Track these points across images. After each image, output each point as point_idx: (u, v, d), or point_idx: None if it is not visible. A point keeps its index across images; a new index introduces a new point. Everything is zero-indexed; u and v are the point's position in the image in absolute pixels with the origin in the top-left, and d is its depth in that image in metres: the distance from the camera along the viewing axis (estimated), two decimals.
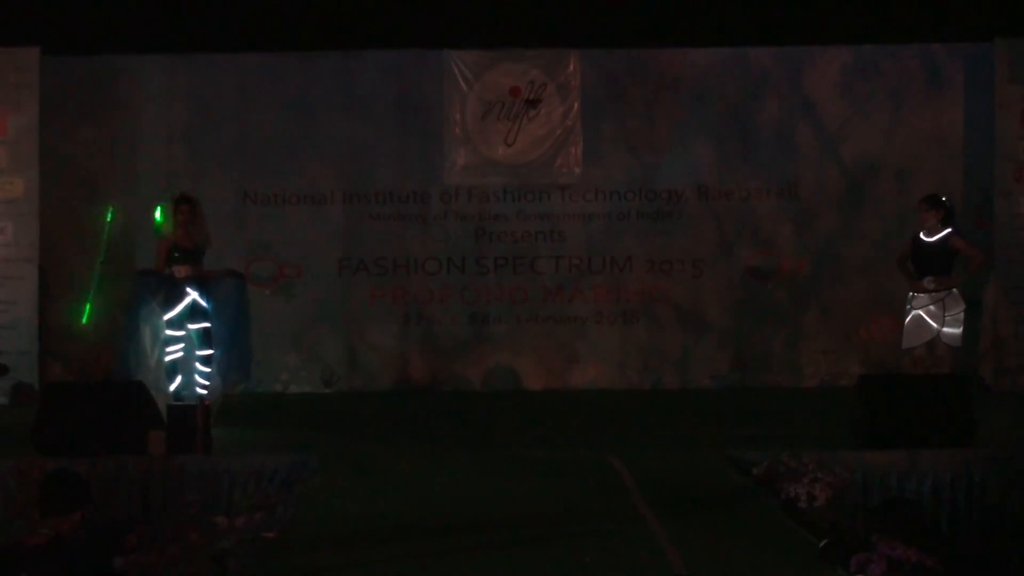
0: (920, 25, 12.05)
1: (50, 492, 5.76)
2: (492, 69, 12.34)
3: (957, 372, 9.54)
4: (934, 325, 9.74)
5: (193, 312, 9.97)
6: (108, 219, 11.79)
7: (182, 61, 12.29)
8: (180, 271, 9.91)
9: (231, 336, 10.17)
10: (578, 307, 12.39)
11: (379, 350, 12.36)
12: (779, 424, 9.89)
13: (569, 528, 6.74)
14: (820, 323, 12.35)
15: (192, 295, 9.94)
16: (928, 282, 9.77)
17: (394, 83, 12.38)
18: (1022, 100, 11.81)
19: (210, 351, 10.04)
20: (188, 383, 9.98)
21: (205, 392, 9.72)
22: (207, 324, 10.03)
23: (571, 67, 12.33)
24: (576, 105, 12.33)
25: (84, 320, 11.17)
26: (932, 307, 9.75)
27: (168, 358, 10.01)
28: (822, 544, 6.19)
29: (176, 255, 9.96)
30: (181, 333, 9.99)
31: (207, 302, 10.02)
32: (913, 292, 9.88)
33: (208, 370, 10.07)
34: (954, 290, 9.79)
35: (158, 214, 10.64)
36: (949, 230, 9.85)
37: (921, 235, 9.94)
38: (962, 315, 9.76)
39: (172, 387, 9.92)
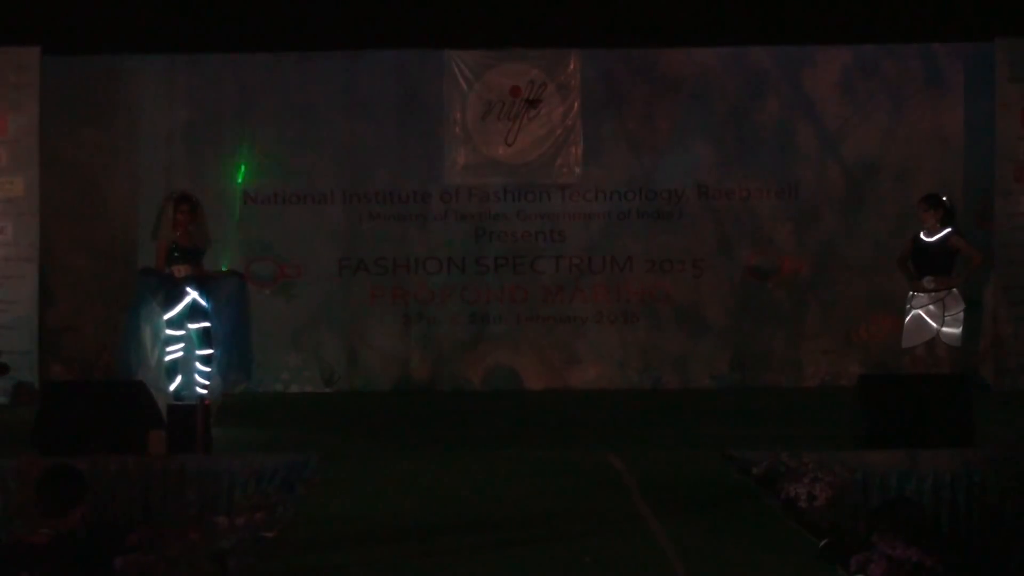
0: (920, 25, 12.06)
1: (48, 490, 5.75)
2: (492, 69, 12.34)
3: (957, 372, 9.53)
4: (934, 325, 9.74)
5: (193, 312, 9.96)
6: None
7: (182, 61, 12.30)
8: (180, 271, 9.90)
9: (231, 336, 10.14)
10: (578, 307, 12.39)
11: (379, 350, 12.36)
12: (779, 424, 9.89)
13: (569, 528, 6.73)
14: (820, 323, 12.35)
15: (192, 295, 9.94)
16: (928, 282, 9.77)
17: (395, 83, 12.39)
18: (1022, 100, 11.81)
19: (210, 351, 10.03)
20: (188, 383, 9.97)
21: (205, 392, 9.71)
22: (207, 324, 10.02)
23: (571, 67, 12.33)
24: (576, 105, 12.33)
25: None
26: (932, 307, 9.75)
27: (168, 358, 10.00)
28: (822, 544, 6.19)
29: (176, 255, 9.95)
30: (181, 333, 9.98)
31: (207, 302, 10.01)
32: (913, 292, 9.88)
33: (208, 370, 10.06)
34: (954, 290, 9.80)
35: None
36: (949, 230, 9.85)
37: (921, 235, 9.94)
38: (962, 315, 9.77)
39: (172, 387, 9.91)
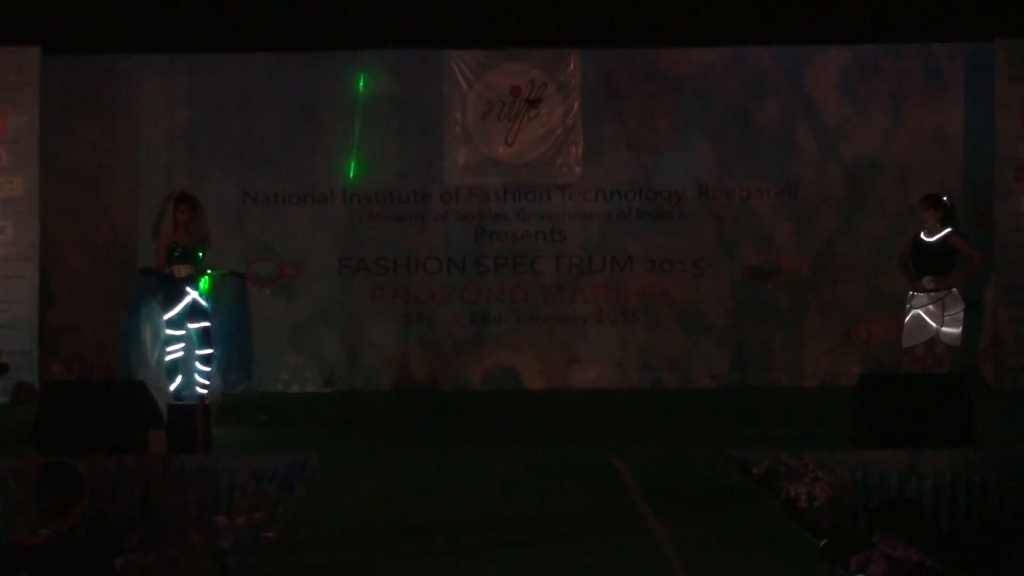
0: (920, 25, 12.05)
1: (45, 490, 5.75)
2: (492, 69, 12.34)
3: (957, 372, 9.53)
4: (933, 325, 9.74)
5: (193, 311, 9.97)
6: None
7: (183, 61, 12.30)
8: (180, 270, 9.90)
9: (231, 336, 10.16)
10: (578, 307, 12.39)
11: (379, 350, 12.36)
12: (779, 424, 9.90)
13: (569, 528, 6.73)
14: (820, 323, 12.35)
15: (192, 294, 9.94)
16: (928, 282, 9.77)
17: (394, 83, 12.38)
18: (1022, 100, 11.81)
19: (210, 351, 10.04)
20: (188, 383, 9.98)
21: (205, 392, 9.72)
22: (207, 323, 10.02)
23: (571, 67, 12.33)
24: (576, 105, 12.33)
25: None
26: (931, 307, 9.75)
27: (168, 358, 10.01)
28: (822, 544, 6.19)
29: (176, 254, 9.96)
30: (181, 332, 9.98)
31: (207, 301, 10.02)
32: (913, 291, 9.88)
33: (208, 370, 10.07)
34: (954, 290, 9.80)
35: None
36: (949, 230, 9.85)
37: (921, 235, 9.94)
38: (961, 315, 9.77)
39: (172, 387, 9.92)
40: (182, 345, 10.00)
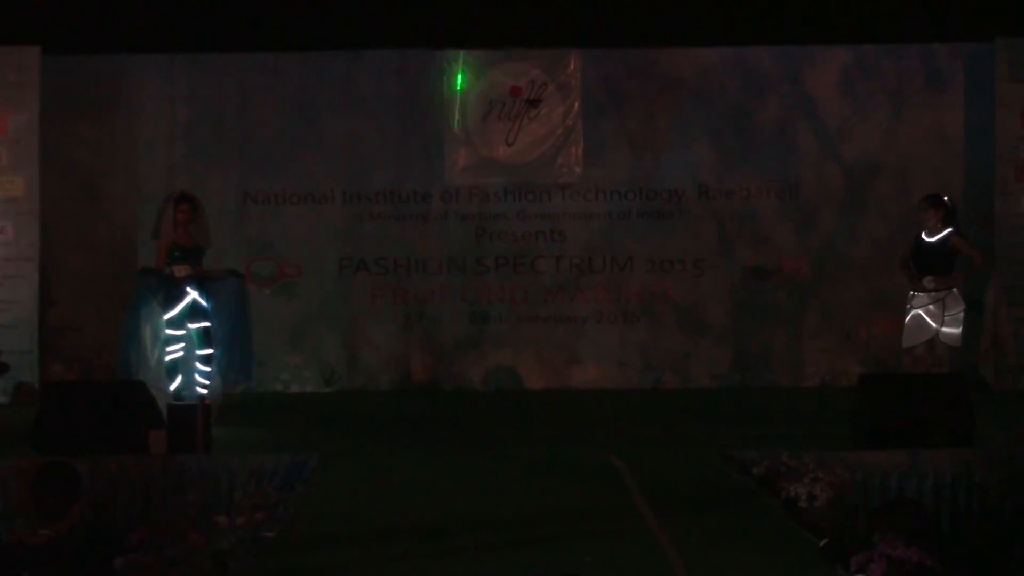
0: (920, 25, 12.04)
1: (44, 490, 5.74)
2: (492, 69, 12.34)
3: (957, 372, 9.53)
4: (933, 325, 9.73)
5: (193, 311, 9.96)
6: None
7: (182, 61, 12.30)
8: (180, 270, 9.90)
9: (231, 336, 10.14)
10: (578, 307, 12.39)
11: (379, 350, 12.36)
12: (779, 424, 9.90)
13: (569, 528, 6.74)
14: (820, 323, 12.35)
15: (192, 294, 9.94)
16: (928, 282, 9.76)
17: (395, 83, 12.39)
18: (1022, 100, 11.80)
19: (210, 351, 10.03)
20: (188, 383, 9.96)
21: (205, 392, 9.71)
22: (207, 324, 10.02)
23: (571, 67, 12.33)
24: (576, 105, 12.33)
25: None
26: (931, 306, 9.75)
27: (168, 358, 10.00)
28: (822, 544, 6.19)
29: (176, 254, 9.95)
30: (181, 333, 9.97)
31: (207, 301, 10.01)
32: (913, 291, 9.88)
33: (208, 370, 10.06)
34: (954, 290, 9.79)
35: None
36: (950, 230, 9.84)
37: (922, 235, 9.93)
38: (961, 315, 9.75)
39: (172, 387, 9.91)
40: (182, 345, 9.99)
